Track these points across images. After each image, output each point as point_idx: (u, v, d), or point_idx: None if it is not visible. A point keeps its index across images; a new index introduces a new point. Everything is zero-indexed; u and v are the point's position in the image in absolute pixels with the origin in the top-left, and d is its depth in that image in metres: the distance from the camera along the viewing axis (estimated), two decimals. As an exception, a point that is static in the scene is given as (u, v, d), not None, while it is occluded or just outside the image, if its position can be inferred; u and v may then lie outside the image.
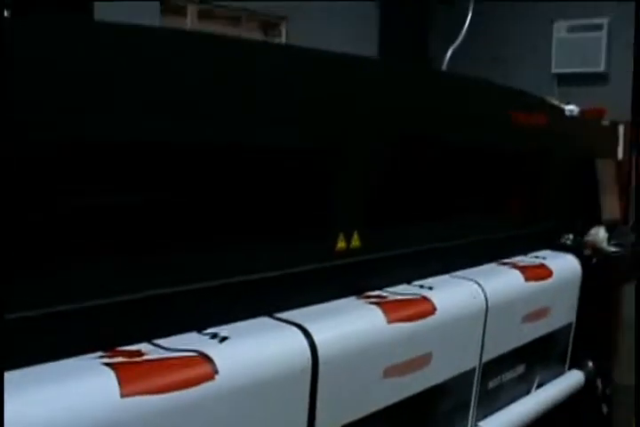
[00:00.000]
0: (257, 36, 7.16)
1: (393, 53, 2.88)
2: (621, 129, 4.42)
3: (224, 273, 1.92)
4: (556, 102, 3.76)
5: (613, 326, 3.82)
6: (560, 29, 6.97)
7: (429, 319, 2.34)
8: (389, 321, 2.18)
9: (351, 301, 2.27)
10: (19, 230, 1.50)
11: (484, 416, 2.82)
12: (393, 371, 2.18)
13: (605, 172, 4.11)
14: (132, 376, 1.54)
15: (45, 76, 1.48)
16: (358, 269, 2.34)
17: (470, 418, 2.71)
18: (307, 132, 2.12)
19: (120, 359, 1.60)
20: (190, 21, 7.21)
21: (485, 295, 2.65)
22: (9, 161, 1.44)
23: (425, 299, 2.39)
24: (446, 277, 2.71)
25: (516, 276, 2.94)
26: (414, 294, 2.40)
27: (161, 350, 1.69)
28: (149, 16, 5.91)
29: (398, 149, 2.51)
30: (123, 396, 1.50)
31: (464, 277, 2.71)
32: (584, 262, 3.46)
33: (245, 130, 1.92)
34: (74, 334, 1.61)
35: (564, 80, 7.13)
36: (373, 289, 2.38)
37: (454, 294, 2.54)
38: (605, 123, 4.32)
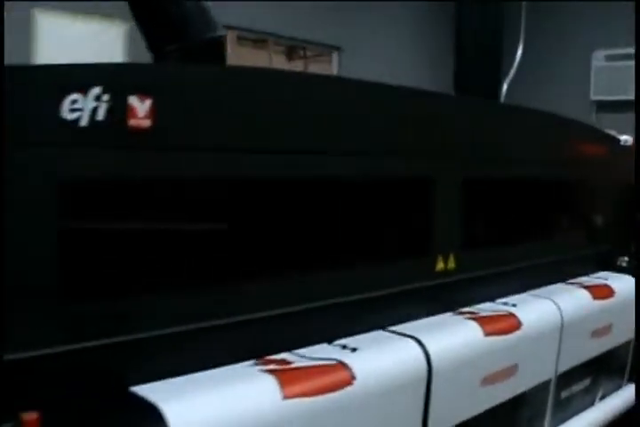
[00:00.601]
0: (281, 60, 7.30)
1: (467, 89, 3.14)
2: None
3: (347, 291, 2.17)
4: (612, 133, 3.99)
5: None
6: (599, 58, 7.24)
7: (516, 333, 2.57)
8: (486, 334, 2.41)
9: (449, 316, 2.50)
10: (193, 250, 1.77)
11: (555, 425, 3.03)
12: (489, 380, 2.41)
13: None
14: (289, 381, 1.78)
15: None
16: (454, 287, 2.58)
17: (546, 425, 2.92)
18: (412, 164, 2.38)
19: (273, 366, 1.84)
20: (230, 48, 7.45)
21: (561, 312, 2.88)
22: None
23: (512, 315, 2.62)
24: (524, 295, 2.94)
25: (585, 295, 3.16)
26: (503, 311, 2.63)
27: (303, 359, 1.93)
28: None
29: (485, 180, 2.75)
30: (284, 398, 1.73)
31: (540, 296, 2.94)
32: (641, 282, 3.67)
33: (372, 164, 2.19)
34: (231, 344, 1.86)
35: (602, 107, 7.37)
36: (465, 305, 2.62)
37: (535, 310, 2.77)
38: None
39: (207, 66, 2.07)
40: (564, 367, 2.97)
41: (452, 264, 2.56)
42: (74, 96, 1.51)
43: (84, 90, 1.52)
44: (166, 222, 1.71)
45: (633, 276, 3.69)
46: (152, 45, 2.20)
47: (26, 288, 1.45)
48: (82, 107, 1.52)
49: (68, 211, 1.52)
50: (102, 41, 5.13)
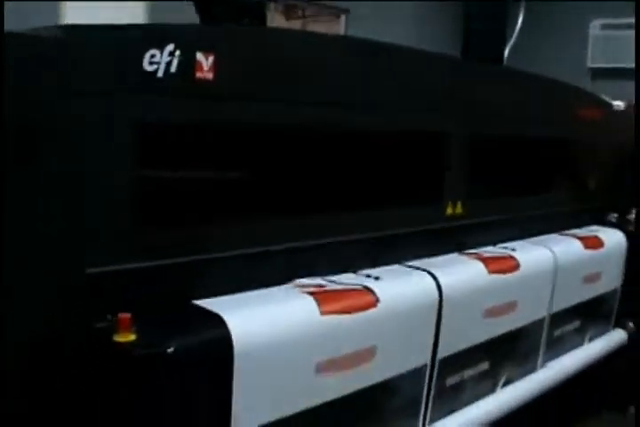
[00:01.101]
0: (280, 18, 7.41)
1: (476, 53, 3.41)
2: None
3: (370, 229, 2.46)
4: (606, 98, 4.27)
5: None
6: (596, 27, 7.48)
7: (516, 273, 2.87)
8: (489, 272, 2.72)
9: (458, 255, 2.80)
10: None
11: (548, 360, 3.34)
12: (491, 312, 2.73)
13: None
14: (325, 301, 2.07)
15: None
16: (461, 230, 2.88)
17: (540, 360, 3.24)
18: (426, 121, 2.67)
19: (312, 289, 2.14)
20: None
21: (555, 258, 3.18)
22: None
23: (512, 257, 2.92)
24: (523, 242, 3.23)
25: (577, 244, 3.46)
26: (504, 253, 2.93)
27: (335, 285, 2.23)
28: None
29: (490, 138, 3.03)
30: (322, 314, 2.03)
31: (537, 243, 3.25)
32: (628, 236, 3.97)
33: (393, 119, 2.48)
34: (275, 268, 2.15)
35: (598, 74, 7.63)
36: (471, 247, 2.91)
37: (532, 255, 3.07)
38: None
39: (257, 28, 2.33)
40: (557, 308, 3.28)
41: (459, 210, 2.85)
42: (152, 51, 1.77)
43: (161, 46, 1.78)
44: (224, 163, 1.99)
45: (621, 230, 3.99)
46: (200, 8, 2.45)
47: (109, 215, 1.73)
48: (159, 60, 1.79)
49: (146, 148, 1.79)
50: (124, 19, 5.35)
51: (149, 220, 1.82)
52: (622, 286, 3.98)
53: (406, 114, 2.56)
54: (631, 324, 4.11)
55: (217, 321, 1.77)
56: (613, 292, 3.91)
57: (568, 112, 3.67)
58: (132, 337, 1.56)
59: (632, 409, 4.26)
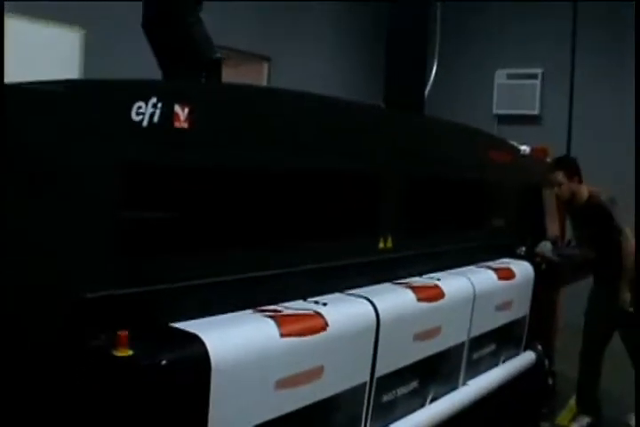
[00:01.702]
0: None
1: (397, 101, 3.77)
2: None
3: (316, 261, 2.76)
4: (514, 143, 4.73)
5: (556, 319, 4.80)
6: (501, 76, 8.08)
7: (441, 301, 3.21)
8: (418, 299, 3.04)
9: (390, 284, 3.12)
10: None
11: (468, 379, 3.68)
12: (421, 336, 3.04)
13: (549, 199, 5.10)
14: (284, 324, 2.33)
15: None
16: (391, 262, 3.20)
17: (461, 378, 3.57)
18: (361, 166, 3.00)
19: (271, 313, 2.40)
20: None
21: (474, 287, 3.54)
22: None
23: (437, 286, 3.25)
24: (446, 273, 3.58)
25: (492, 275, 3.84)
26: (430, 283, 3.26)
27: (289, 310, 2.50)
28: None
29: (414, 180, 3.38)
30: (281, 337, 2.29)
31: (458, 274, 3.60)
32: (536, 268, 4.40)
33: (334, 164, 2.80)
34: (238, 296, 2.41)
35: (504, 120, 8.22)
36: (401, 277, 3.24)
37: (454, 284, 3.41)
38: (549, 160, 5.31)
39: (226, 83, 2.62)
40: (475, 333, 3.63)
41: (389, 244, 3.18)
42: (139, 103, 2.04)
43: (145, 99, 2.05)
44: (196, 199, 2.26)
45: (530, 262, 4.40)
46: (162, 64, 2.72)
47: (98, 247, 1.96)
48: (144, 112, 2.05)
49: (128, 192, 2.04)
50: (60, 46, 5.54)
51: (132, 251, 2.06)
52: (530, 312, 4.38)
53: (342, 160, 2.88)
54: (539, 346, 4.52)
55: (196, 340, 2.02)
56: (523, 318, 4.30)
57: (482, 156, 4.08)
58: (130, 352, 1.79)
59: (546, 425, 4.69)
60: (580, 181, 5.13)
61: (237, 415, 2.14)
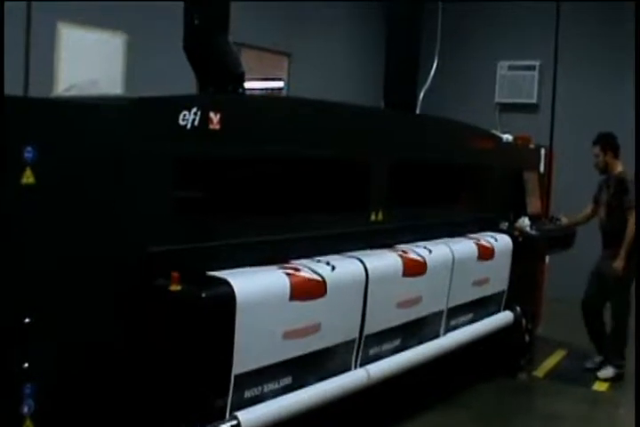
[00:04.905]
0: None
1: (393, 100, 4.55)
2: (542, 151, 6.11)
3: (320, 229, 3.55)
4: (497, 132, 5.47)
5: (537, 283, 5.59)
6: (502, 68, 8.77)
7: (425, 271, 3.98)
8: (403, 263, 3.81)
9: (379, 251, 3.89)
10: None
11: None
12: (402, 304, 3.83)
13: (530, 180, 5.83)
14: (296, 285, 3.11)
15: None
16: (382, 233, 3.98)
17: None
18: (358, 155, 3.78)
19: (289, 271, 3.15)
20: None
21: (454, 255, 4.29)
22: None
23: (421, 255, 4.03)
24: (432, 242, 4.34)
25: (471, 244, 4.60)
26: (416, 251, 4.04)
27: (303, 271, 3.23)
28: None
29: (403, 164, 4.15)
30: (291, 299, 3.08)
31: (440, 243, 4.37)
32: (514, 240, 5.14)
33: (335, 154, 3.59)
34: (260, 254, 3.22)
35: (505, 108, 8.92)
36: (392, 245, 4.01)
37: (437, 251, 4.18)
38: (532, 146, 6.03)
39: (248, 95, 3.41)
40: (454, 293, 4.39)
41: (380, 217, 3.96)
42: (184, 112, 2.82)
43: (189, 108, 2.84)
44: (227, 180, 3.06)
45: (509, 235, 5.15)
46: (199, 77, 3.49)
47: (159, 216, 2.77)
48: (188, 118, 2.84)
49: (178, 176, 2.83)
50: (107, 49, 6.34)
51: (182, 219, 2.86)
52: (510, 279, 5.12)
53: (343, 149, 3.67)
54: (518, 308, 5.26)
55: (226, 282, 2.82)
56: (503, 282, 5.05)
57: (466, 144, 4.84)
58: (179, 288, 2.62)
59: (523, 375, 5.41)
60: (616, 157, 5.71)
61: (256, 341, 2.94)
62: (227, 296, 2.78)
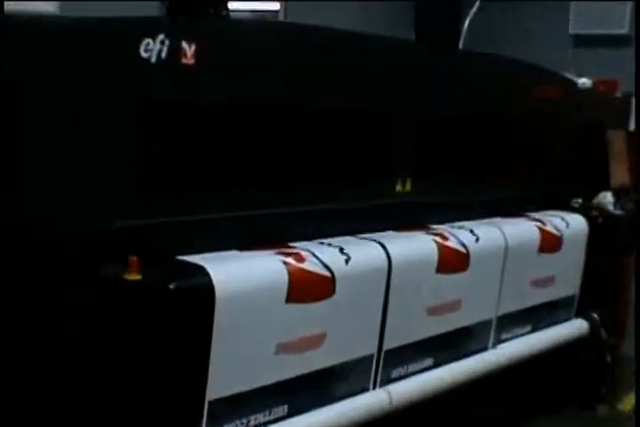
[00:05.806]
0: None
1: (429, 36, 4.63)
2: (634, 101, 6.12)
3: (329, 201, 3.67)
4: (570, 76, 5.54)
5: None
6: (581, -12, 8.75)
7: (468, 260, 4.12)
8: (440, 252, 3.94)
9: (406, 233, 4.01)
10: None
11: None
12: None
13: (616, 142, 5.91)
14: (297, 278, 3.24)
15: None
16: (410, 208, 4.11)
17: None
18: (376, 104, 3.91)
19: (289, 260, 3.27)
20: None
21: (507, 243, 4.41)
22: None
23: (459, 236, 4.16)
24: (475, 222, 4.47)
25: (531, 227, 4.72)
26: (452, 231, 4.16)
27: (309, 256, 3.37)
28: None
29: (439, 118, 4.26)
30: (288, 301, 3.21)
31: (490, 224, 4.50)
32: (591, 223, 5.23)
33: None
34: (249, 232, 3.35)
35: (582, 42, 8.92)
36: (423, 225, 4.14)
37: (481, 233, 4.30)
38: (619, 95, 6.09)
39: (229, 20, 3.52)
40: (506, 290, 4.52)
41: (408, 187, 4.08)
42: (147, 40, 2.93)
43: (153, 36, 2.94)
44: (204, 136, 3.18)
45: (583, 215, 5.25)
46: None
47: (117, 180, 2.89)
48: (152, 48, 2.95)
49: (141, 116, 2.93)
50: None
51: (148, 182, 2.98)
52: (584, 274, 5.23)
53: (359, 96, 3.78)
54: (595, 315, 5.37)
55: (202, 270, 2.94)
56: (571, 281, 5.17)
57: (526, 92, 4.93)
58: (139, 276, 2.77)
59: (604, 409, 5.49)
60: None
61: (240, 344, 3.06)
62: (203, 289, 2.90)
